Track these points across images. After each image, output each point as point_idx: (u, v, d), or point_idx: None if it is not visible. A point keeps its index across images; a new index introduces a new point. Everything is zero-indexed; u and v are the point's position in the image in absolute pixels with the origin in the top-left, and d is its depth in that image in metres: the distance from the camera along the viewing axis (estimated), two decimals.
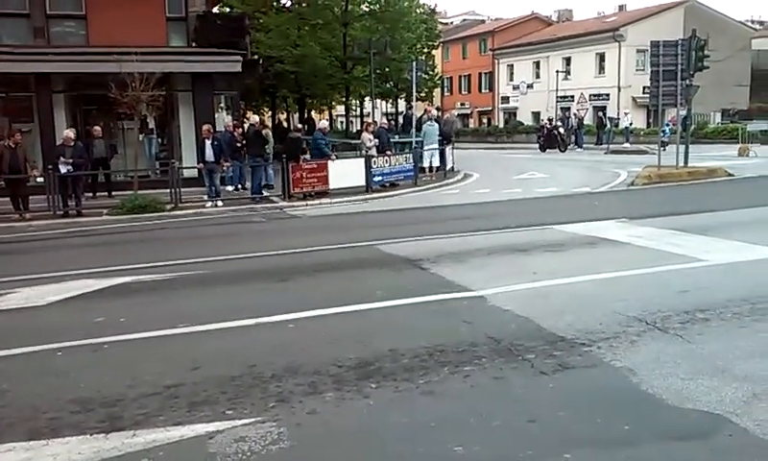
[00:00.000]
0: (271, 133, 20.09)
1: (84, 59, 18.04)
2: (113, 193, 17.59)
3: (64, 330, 6.06)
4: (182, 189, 16.23)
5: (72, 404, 4.42)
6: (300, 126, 24.87)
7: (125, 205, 15.17)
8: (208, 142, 16.59)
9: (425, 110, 24.48)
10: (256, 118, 21.60)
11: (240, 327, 5.98)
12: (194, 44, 20.22)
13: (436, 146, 21.37)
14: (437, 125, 22.14)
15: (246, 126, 19.40)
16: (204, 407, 4.28)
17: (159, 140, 21.00)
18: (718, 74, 32.20)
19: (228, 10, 31.15)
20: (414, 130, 22.83)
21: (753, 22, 64.06)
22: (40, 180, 15.57)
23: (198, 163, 16.88)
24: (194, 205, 16.11)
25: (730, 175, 18.40)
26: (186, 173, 17.78)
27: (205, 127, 17.07)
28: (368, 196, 17.25)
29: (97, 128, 18.24)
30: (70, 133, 16.04)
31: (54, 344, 5.68)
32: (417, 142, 21.79)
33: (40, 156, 18.10)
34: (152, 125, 20.37)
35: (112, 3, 18.87)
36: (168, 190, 16.09)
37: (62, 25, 19.79)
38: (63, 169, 15.26)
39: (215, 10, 25.96)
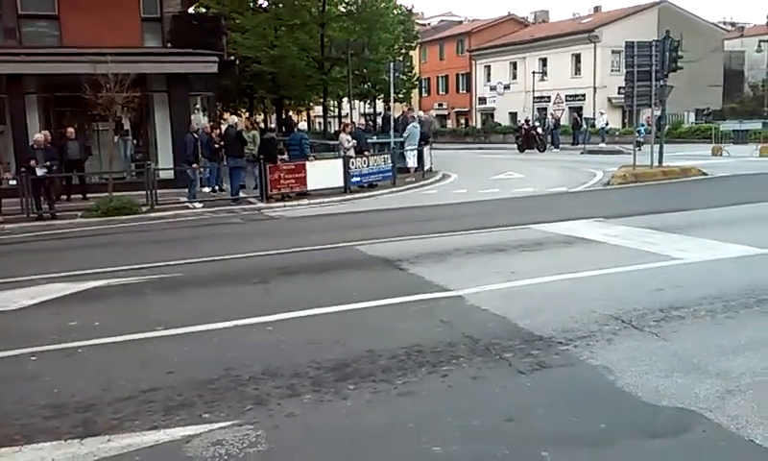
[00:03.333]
0: (258, 135, 19.64)
1: (57, 60, 17.77)
2: (88, 195, 17.34)
3: (38, 335, 5.97)
4: (159, 191, 16.07)
5: (46, 410, 4.36)
6: (273, 126, 24.66)
7: (99, 207, 14.95)
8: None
9: (403, 112, 24.54)
10: (235, 119, 21.40)
11: (217, 330, 5.93)
12: (169, 45, 20.03)
13: (416, 147, 21.51)
14: (420, 127, 22.29)
15: (224, 127, 19.21)
16: (181, 411, 4.24)
17: (135, 142, 20.77)
18: (692, 75, 32.60)
19: (203, 10, 30.93)
20: (392, 130, 22.87)
21: (725, 24, 65.12)
22: (13, 182, 15.31)
23: (191, 162, 16.86)
24: (170, 206, 15.96)
25: (704, 174, 18.62)
26: (162, 174, 17.61)
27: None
28: (346, 197, 17.21)
29: (71, 129, 17.98)
30: (40, 136, 15.80)
31: (27, 348, 5.59)
32: (395, 143, 21.84)
33: (13, 158, 17.81)
34: (127, 126, 20.14)
35: (86, 3, 18.61)
36: (144, 192, 15.91)
37: (35, 25, 19.48)
38: (39, 172, 15.04)
39: (191, 10, 25.75)
